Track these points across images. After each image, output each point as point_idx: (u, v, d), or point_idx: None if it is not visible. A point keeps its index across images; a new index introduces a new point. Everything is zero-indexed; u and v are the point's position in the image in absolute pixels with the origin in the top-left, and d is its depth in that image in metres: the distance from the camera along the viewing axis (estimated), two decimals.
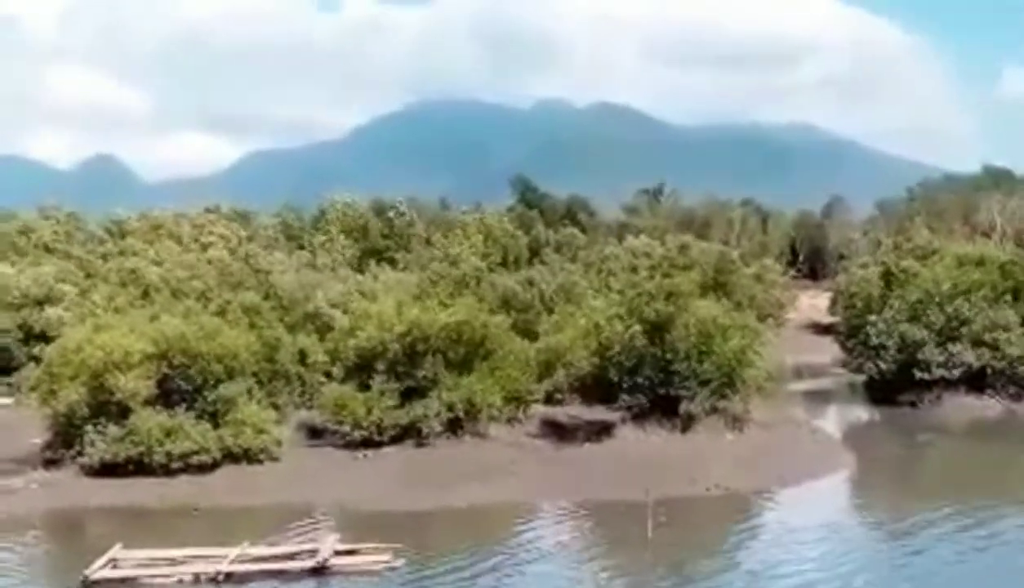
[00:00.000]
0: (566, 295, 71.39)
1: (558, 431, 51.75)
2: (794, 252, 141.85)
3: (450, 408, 48.49)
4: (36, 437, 47.32)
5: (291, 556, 33.64)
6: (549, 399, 55.99)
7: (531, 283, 72.66)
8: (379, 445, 47.87)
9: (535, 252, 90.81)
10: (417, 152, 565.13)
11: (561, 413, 54.81)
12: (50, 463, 45.48)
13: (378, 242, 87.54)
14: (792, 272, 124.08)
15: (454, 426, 48.80)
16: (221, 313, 56.52)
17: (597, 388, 52.93)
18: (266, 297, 63.86)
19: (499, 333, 52.55)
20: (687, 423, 50.12)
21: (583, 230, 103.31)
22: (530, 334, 61.59)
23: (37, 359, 52.73)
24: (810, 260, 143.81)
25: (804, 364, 79.55)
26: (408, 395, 48.90)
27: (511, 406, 50.68)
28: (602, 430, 50.82)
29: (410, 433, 48.32)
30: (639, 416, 50.83)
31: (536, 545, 35.78)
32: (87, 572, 31.43)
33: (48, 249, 74.94)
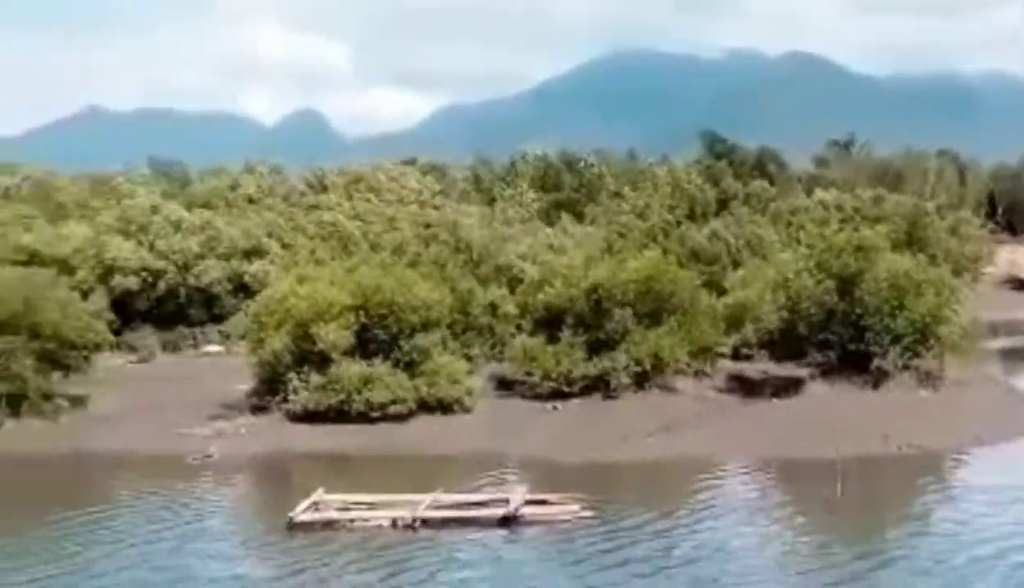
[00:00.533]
0: (754, 248, 70.79)
1: (745, 386, 51.69)
2: (992, 205, 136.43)
3: (637, 361, 48.94)
4: (244, 384, 49.78)
5: (483, 504, 34.76)
6: (736, 354, 55.92)
7: (718, 236, 72.30)
8: (567, 397, 48.74)
9: (723, 204, 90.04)
10: (606, 104, 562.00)
11: (749, 368, 54.65)
12: (257, 409, 47.89)
13: (567, 195, 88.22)
14: (990, 226, 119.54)
15: (641, 379, 49.27)
16: (414, 265, 58.23)
17: (785, 343, 52.56)
18: (457, 250, 65.34)
19: (687, 287, 52.67)
20: (878, 380, 49.38)
21: (772, 182, 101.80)
22: (717, 288, 61.46)
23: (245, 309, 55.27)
24: (1008, 213, 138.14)
25: (1001, 321, 76.94)
26: (596, 348, 49.58)
27: (698, 360, 50.82)
28: (790, 386, 50.54)
29: (598, 385, 49.01)
30: (828, 372, 50.36)
31: (722, 501, 36.04)
32: (292, 514, 33.23)
33: (252, 202, 78.12)
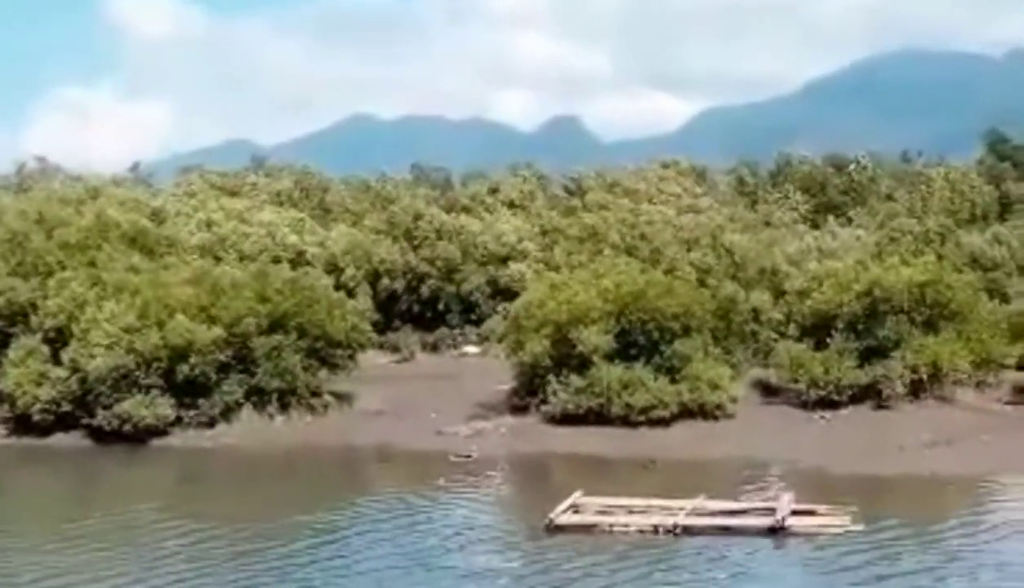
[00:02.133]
0: None
1: None
2: None
3: (913, 370, 46.38)
4: (502, 384, 49.84)
5: (746, 513, 33.37)
6: (1022, 365, 52.16)
7: (1000, 240, 68.01)
8: (836, 405, 46.65)
9: (1006, 208, 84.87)
10: (877, 104, 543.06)
11: None
12: (516, 409, 47.85)
13: (835, 197, 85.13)
14: None
15: (916, 389, 46.67)
16: (673, 270, 57.14)
17: None
18: (719, 254, 63.80)
19: (966, 293, 49.66)
20: None
21: None
22: (1000, 295, 57.72)
23: (504, 312, 55.39)
24: None
25: None
26: (867, 355, 47.27)
27: (980, 370, 47.71)
28: None
29: (869, 394, 46.72)
30: None
31: (1005, 521, 33.16)
32: (551, 515, 32.67)
33: (513, 206, 78.67)
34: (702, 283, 54.51)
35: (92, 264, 52.06)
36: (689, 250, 64.39)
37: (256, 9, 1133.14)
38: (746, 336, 53.52)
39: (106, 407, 46.76)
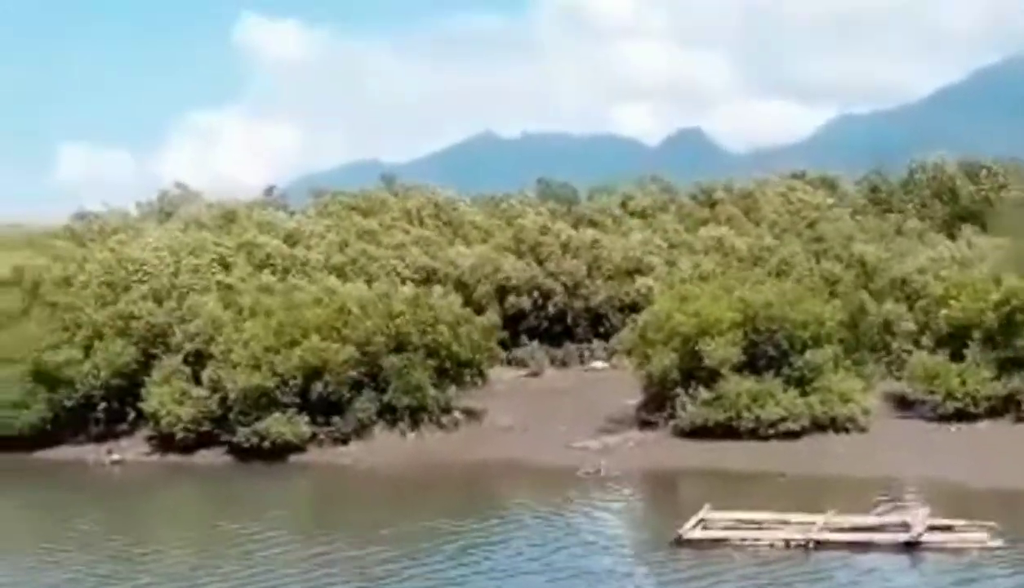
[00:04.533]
0: None
1: None
2: None
3: None
4: (630, 398, 49.81)
5: (880, 528, 32.84)
6: None
7: None
8: (973, 418, 45.61)
9: None
10: (1009, 110, 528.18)
11: None
12: (644, 424, 47.80)
13: (970, 205, 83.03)
14: None
15: None
16: (803, 280, 56.45)
17: None
18: (849, 264, 62.79)
19: None
20: None
21: None
22: None
23: (631, 325, 55.23)
24: None
25: None
26: (1006, 366, 46.10)
27: None
28: None
29: (1008, 406, 45.59)
30: None
31: None
32: (680, 530, 32.61)
33: (644, 216, 78.51)
34: (832, 294, 53.71)
35: (228, 287, 53.82)
36: (818, 260, 63.51)
37: (377, 31, 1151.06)
38: (878, 347, 52.63)
39: (245, 425, 48.19)
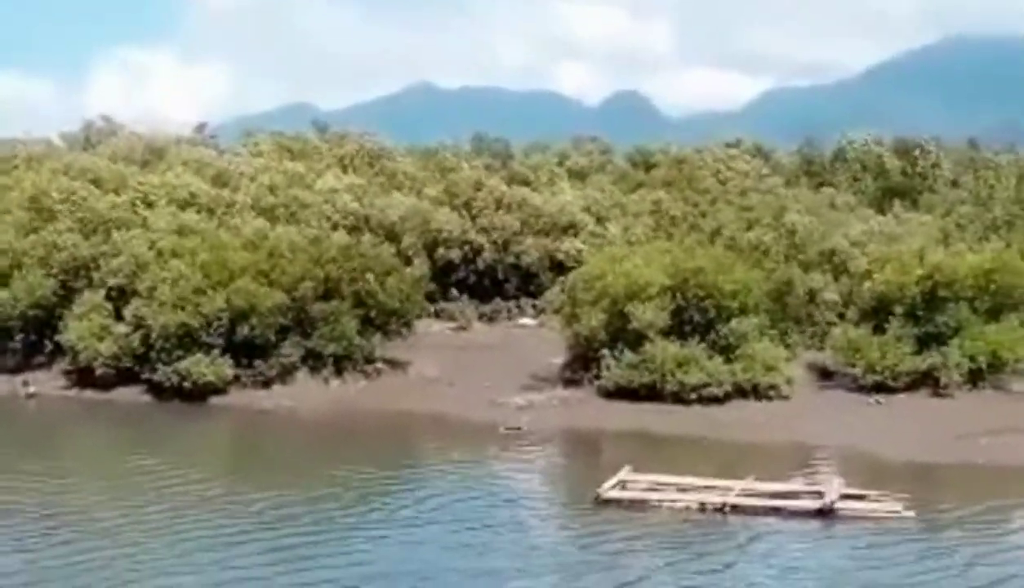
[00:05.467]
0: None
1: None
2: None
3: (972, 358, 45.85)
4: (557, 357, 49.85)
5: (796, 495, 33.20)
6: None
7: None
8: (892, 391, 46.19)
9: None
10: (942, 91, 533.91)
11: None
12: (569, 383, 47.88)
13: (900, 181, 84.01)
14: None
15: (975, 377, 46.14)
16: (733, 248, 56.73)
17: None
18: (780, 234, 63.21)
19: None
20: None
21: None
22: None
23: (560, 284, 55.24)
24: None
25: None
26: (926, 341, 46.76)
27: None
28: None
29: (926, 381, 46.26)
30: None
31: None
32: (600, 490, 32.71)
33: (583, 177, 78.43)
34: (760, 263, 54.03)
35: (149, 225, 52.91)
36: (750, 228, 63.87)
37: None
38: (803, 318, 53.12)
39: (167, 363, 47.50)
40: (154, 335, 47.69)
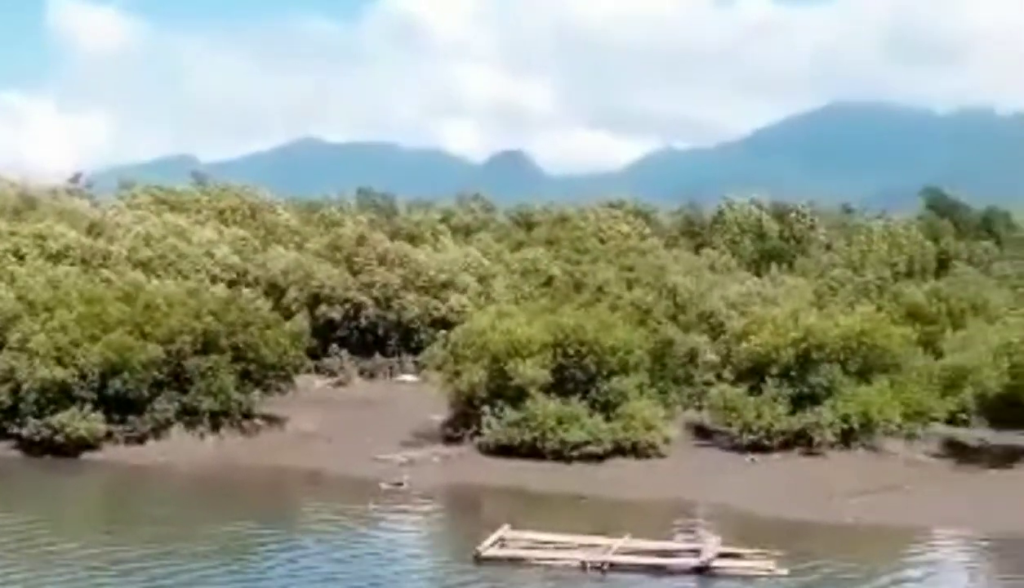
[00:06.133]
0: (976, 310, 67.21)
1: (960, 453, 48.96)
2: None
3: (844, 419, 46.89)
4: (437, 414, 49.70)
5: (673, 553, 33.47)
6: (952, 419, 52.81)
7: (939, 296, 69.00)
8: (767, 450, 46.92)
9: (944, 264, 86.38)
10: (820, 156, 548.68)
11: (965, 434, 51.75)
12: (450, 439, 47.70)
13: (776, 244, 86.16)
14: None
15: (847, 437, 47.17)
16: (616, 308, 57.35)
17: (1008, 411, 49.39)
18: (661, 294, 64.21)
19: (901, 345, 50.29)
20: None
21: (999, 243, 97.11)
22: (934, 349, 58.49)
23: (442, 341, 55.19)
24: None
25: None
26: (800, 402, 47.72)
27: (910, 422, 48.28)
28: (1012, 457, 47.47)
29: (800, 440, 47.12)
30: None
31: (928, 573, 33.68)
32: (479, 548, 32.56)
33: (468, 233, 78.79)
34: (642, 323, 54.71)
35: (13, 279, 51.61)
36: (630, 288, 64.74)
37: (201, 25, 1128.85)
38: (681, 378, 53.79)
39: (38, 417, 46.13)
40: (25, 388, 46.33)
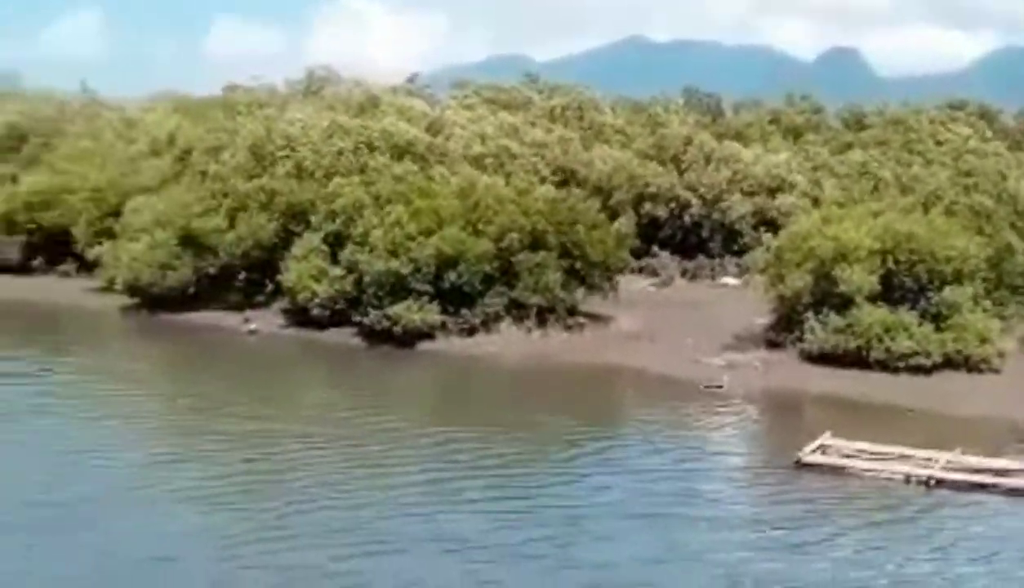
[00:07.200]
0: None
1: None
2: None
3: None
4: (760, 317, 49.45)
5: (1005, 472, 32.26)
6: None
7: None
8: None
9: None
10: None
11: None
12: (771, 344, 47.39)
13: None
14: None
15: None
16: (950, 213, 54.87)
17: None
18: (1000, 200, 60.77)
19: None
20: None
21: None
22: None
23: (767, 244, 54.56)
24: None
25: None
26: None
27: None
28: None
29: None
30: None
31: None
32: (800, 454, 32.55)
33: (794, 136, 76.99)
34: (979, 230, 52.10)
35: (363, 171, 54.58)
36: (967, 194, 61.59)
37: None
38: (1021, 289, 51.10)
39: (378, 308, 49.15)
40: (366, 279, 49.42)
